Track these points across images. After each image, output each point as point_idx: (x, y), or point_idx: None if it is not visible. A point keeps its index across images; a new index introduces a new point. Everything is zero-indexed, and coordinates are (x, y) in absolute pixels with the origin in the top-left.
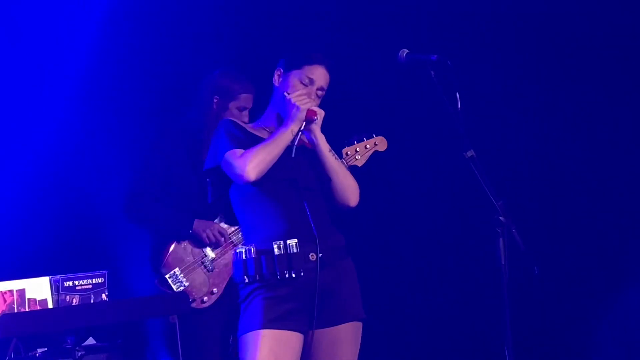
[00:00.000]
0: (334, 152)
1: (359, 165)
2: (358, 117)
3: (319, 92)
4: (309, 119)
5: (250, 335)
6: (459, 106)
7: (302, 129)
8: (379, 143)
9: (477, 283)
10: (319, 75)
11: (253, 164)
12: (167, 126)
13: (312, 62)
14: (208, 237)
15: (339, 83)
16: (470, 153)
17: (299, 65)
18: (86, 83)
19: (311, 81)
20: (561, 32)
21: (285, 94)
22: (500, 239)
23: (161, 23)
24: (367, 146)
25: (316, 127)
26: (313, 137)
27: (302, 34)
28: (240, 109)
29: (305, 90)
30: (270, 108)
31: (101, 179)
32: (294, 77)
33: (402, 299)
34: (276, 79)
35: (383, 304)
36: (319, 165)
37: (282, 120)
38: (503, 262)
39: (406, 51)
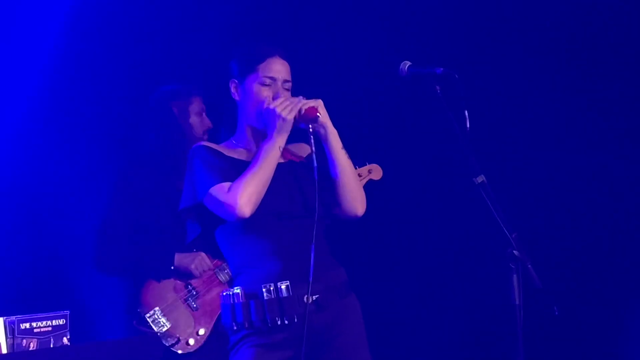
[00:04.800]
0: (346, 151)
1: None
2: (354, 138)
3: (286, 86)
4: (312, 118)
5: None
6: (468, 125)
7: (310, 131)
8: (374, 171)
9: (489, 325)
10: (278, 68)
11: (245, 198)
12: (129, 163)
13: (263, 58)
14: (197, 268)
15: (333, 99)
16: (480, 179)
17: (251, 69)
18: (44, 101)
19: (272, 79)
20: (583, 42)
21: (265, 107)
22: (514, 276)
23: (130, 28)
24: (360, 174)
25: (325, 120)
26: (324, 133)
27: (294, 46)
28: (199, 114)
29: (270, 93)
30: (241, 124)
31: (63, 210)
32: (253, 84)
33: (410, 340)
34: (234, 92)
35: (389, 343)
36: (311, 181)
37: (258, 136)
38: (518, 302)
39: (408, 63)
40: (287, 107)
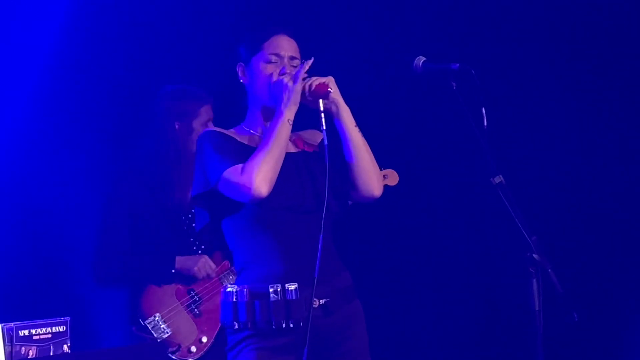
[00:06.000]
0: (359, 129)
1: None
2: (366, 136)
3: (294, 63)
4: (323, 94)
5: None
6: (486, 123)
7: (321, 110)
8: (389, 176)
9: (508, 332)
10: (283, 45)
11: (261, 176)
12: (127, 166)
13: (268, 35)
14: (200, 270)
15: (344, 96)
16: (498, 179)
17: (257, 48)
18: (43, 103)
19: (278, 56)
20: (607, 38)
21: (273, 82)
22: (534, 281)
23: (128, 27)
24: None
25: (336, 97)
26: (337, 111)
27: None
28: (205, 124)
29: (277, 69)
30: (251, 107)
31: (63, 215)
32: (259, 63)
33: (425, 347)
34: (241, 76)
35: (402, 350)
36: (324, 171)
37: (268, 117)
38: (537, 308)
39: (423, 59)
40: (292, 76)
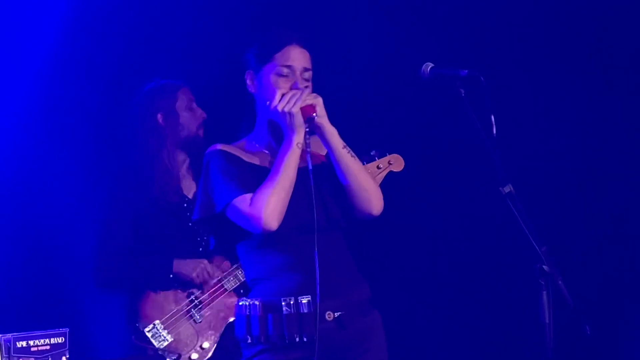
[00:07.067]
0: (350, 149)
1: None
2: (372, 144)
3: (306, 75)
4: (308, 117)
5: None
6: (495, 131)
7: (306, 130)
8: (394, 162)
9: (517, 345)
10: (296, 56)
11: (269, 210)
12: (123, 172)
13: (281, 46)
14: (198, 276)
15: (349, 102)
16: (507, 188)
17: (268, 58)
18: (39, 106)
19: (290, 68)
20: (617, 44)
21: (268, 104)
22: (544, 293)
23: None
24: (380, 166)
25: (321, 121)
26: (322, 134)
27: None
28: (189, 107)
29: (288, 83)
30: (259, 119)
31: (61, 224)
32: (269, 74)
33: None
34: (250, 85)
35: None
36: (334, 181)
37: (278, 130)
38: (547, 321)
39: (430, 65)
40: (291, 101)
